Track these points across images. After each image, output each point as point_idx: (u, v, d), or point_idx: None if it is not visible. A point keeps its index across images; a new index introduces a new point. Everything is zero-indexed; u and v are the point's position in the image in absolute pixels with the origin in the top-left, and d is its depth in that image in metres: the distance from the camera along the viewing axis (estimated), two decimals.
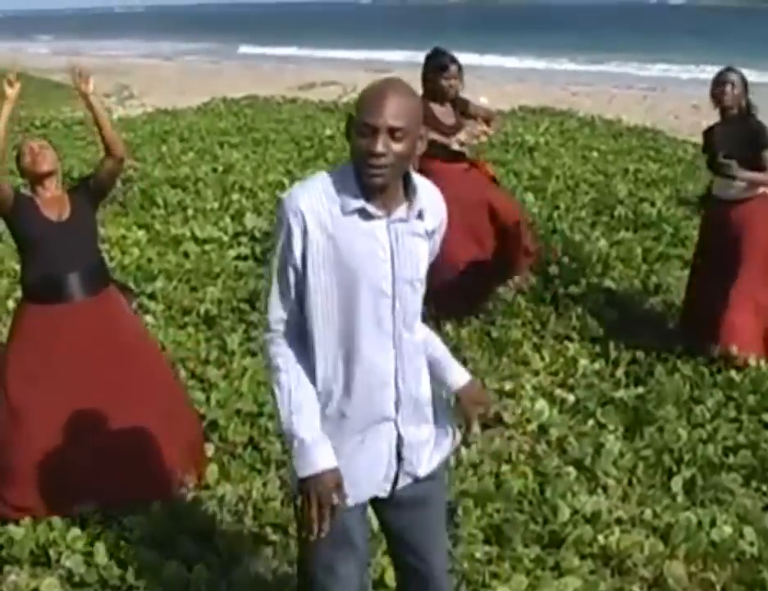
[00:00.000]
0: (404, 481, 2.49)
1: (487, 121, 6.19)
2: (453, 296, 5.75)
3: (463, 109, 6.07)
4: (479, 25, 70.34)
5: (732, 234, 5.50)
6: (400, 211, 2.30)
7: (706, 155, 5.68)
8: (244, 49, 45.79)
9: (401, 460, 2.46)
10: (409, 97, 2.22)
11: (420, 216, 2.34)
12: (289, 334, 2.35)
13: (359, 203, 2.25)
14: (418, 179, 2.37)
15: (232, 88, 20.33)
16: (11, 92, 3.88)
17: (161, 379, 4.32)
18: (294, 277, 2.30)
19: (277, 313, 2.35)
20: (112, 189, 4.30)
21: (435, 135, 5.63)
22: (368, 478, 2.44)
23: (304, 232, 2.25)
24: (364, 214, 2.27)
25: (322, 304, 2.30)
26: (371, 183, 2.23)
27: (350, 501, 2.39)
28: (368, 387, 2.36)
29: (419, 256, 2.36)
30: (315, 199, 2.26)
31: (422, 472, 2.50)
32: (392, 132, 2.17)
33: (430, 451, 2.52)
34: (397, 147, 2.18)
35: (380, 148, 2.16)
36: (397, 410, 2.41)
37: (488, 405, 2.70)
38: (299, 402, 2.31)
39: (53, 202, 4.03)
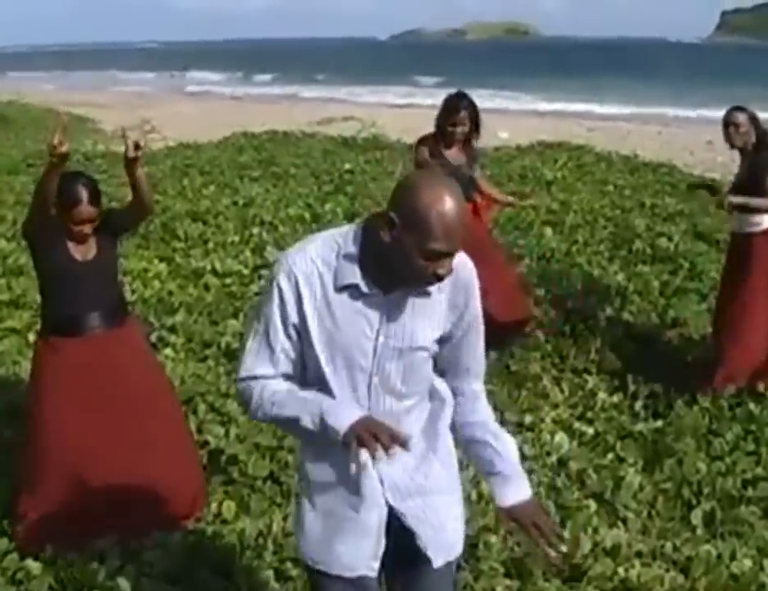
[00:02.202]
0: (437, 556, 2.41)
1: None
2: None
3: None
4: (496, 63, 70.79)
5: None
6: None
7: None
8: (263, 85, 46.22)
9: (413, 535, 2.38)
10: (465, 214, 2.14)
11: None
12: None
13: (354, 279, 2.19)
14: None
15: (252, 122, 20.45)
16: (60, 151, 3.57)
17: (172, 415, 4.36)
18: (282, 338, 2.25)
19: (251, 368, 2.30)
20: (133, 229, 4.33)
21: None
22: (354, 552, 2.37)
23: (298, 298, 2.21)
24: (357, 292, 2.21)
25: (313, 368, 2.28)
26: (416, 289, 2.22)
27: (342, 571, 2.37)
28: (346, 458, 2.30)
29: (420, 326, 2.27)
30: (310, 266, 2.21)
31: (450, 538, 2.44)
32: (454, 254, 2.15)
33: (451, 521, 2.45)
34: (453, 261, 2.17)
35: (449, 271, 2.15)
36: (382, 484, 2.35)
37: (544, 528, 2.36)
38: (300, 396, 2.25)
39: (82, 243, 4.04)
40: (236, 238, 9.17)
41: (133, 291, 7.24)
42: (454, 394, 2.47)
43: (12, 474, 4.27)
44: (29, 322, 6.66)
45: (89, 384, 4.03)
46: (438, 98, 6.19)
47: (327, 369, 2.26)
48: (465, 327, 2.37)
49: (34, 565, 3.85)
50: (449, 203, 2.07)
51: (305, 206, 10.67)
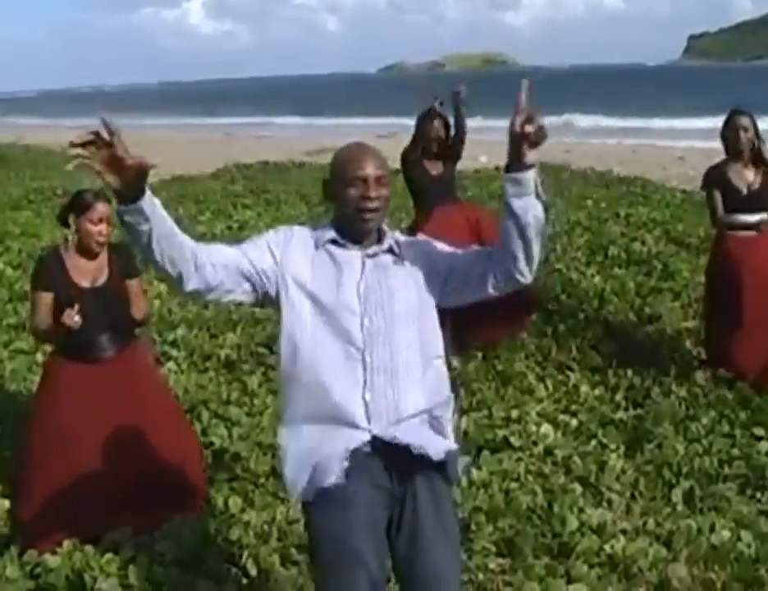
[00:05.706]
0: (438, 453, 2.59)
1: None
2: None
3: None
4: (475, 91, 71.20)
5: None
6: (372, 248, 2.67)
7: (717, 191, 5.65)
8: (254, 122, 45.98)
9: (395, 448, 2.56)
10: (377, 151, 2.66)
11: (392, 251, 2.69)
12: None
13: (331, 235, 2.65)
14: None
15: (243, 156, 20.63)
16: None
17: (176, 422, 4.58)
18: (257, 256, 2.62)
19: None
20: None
21: None
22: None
23: (288, 246, 2.64)
24: (337, 243, 2.65)
25: (295, 316, 2.61)
26: (366, 227, 2.63)
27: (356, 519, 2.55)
28: (334, 397, 2.57)
29: (396, 288, 2.64)
30: (302, 231, 2.71)
31: (417, 441, 2.57)
32: (378, 180, 2.60)
33: (426, 430, 2.65)
34: (383, 191, 2.61)
35: (373, 192, 2.58)
36: (369, 421, 2.57)
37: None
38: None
39: (89, 267, 4.22)
40: None
41: None
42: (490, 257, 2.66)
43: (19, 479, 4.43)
44: (37, 345, 6.85)
45: (97, 399, 4.20)
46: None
47: (316, 318, 2.59)
48: (450, 264, 2.69)
49: (51, 560, 4.00)
50: (353, 145, 2.69)
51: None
